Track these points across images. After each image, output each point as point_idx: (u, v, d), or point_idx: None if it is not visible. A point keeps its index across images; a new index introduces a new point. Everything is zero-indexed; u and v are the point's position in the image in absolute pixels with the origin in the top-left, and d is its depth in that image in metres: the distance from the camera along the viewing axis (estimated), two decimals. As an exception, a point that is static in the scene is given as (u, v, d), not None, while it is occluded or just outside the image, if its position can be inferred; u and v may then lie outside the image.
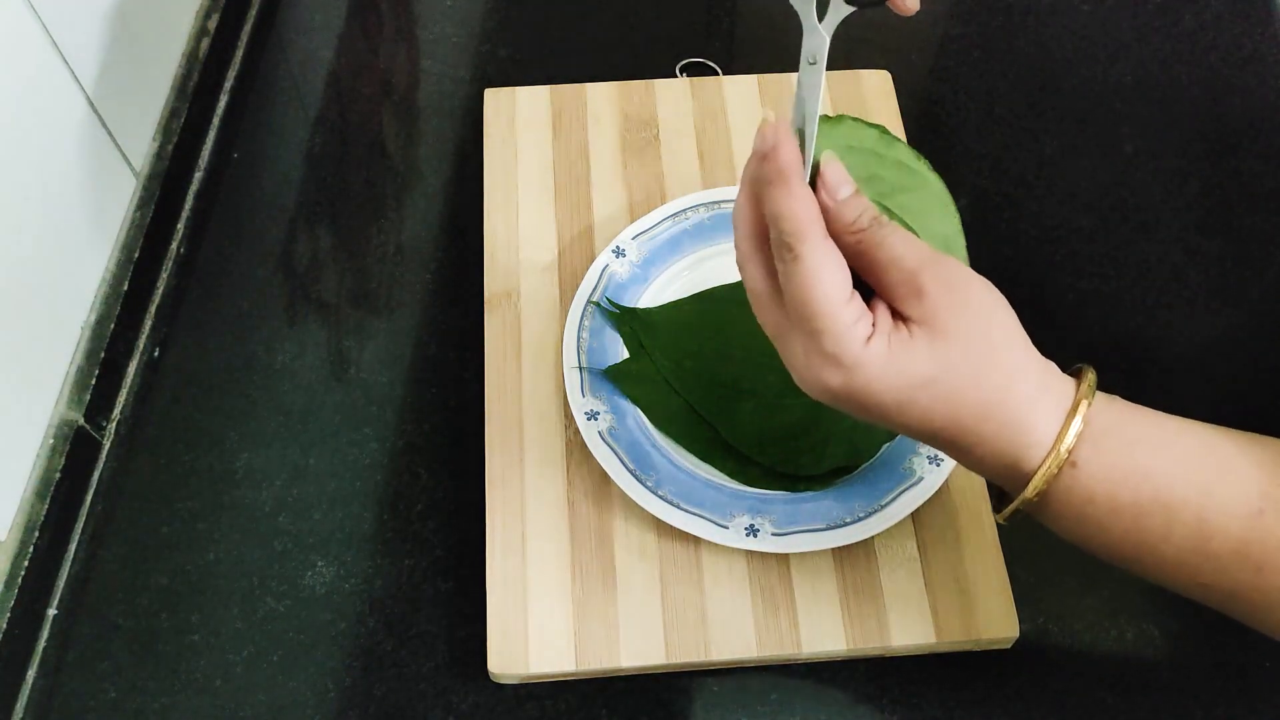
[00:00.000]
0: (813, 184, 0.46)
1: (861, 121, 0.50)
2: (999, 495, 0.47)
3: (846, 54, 0.80)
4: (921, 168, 0.51)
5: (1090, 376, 0.45)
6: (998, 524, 0.47)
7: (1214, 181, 0.75)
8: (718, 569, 0.59)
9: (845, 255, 0.44)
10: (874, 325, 0.44)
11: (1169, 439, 0.45)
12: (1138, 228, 0.73)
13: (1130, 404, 0.46)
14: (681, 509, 0.58)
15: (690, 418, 0.62)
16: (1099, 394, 0.45)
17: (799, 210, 0.43)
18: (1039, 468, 0.44)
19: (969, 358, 0.44)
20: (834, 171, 0.45)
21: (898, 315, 0.44)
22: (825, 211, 0.44)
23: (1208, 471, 0.44)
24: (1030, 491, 0.44)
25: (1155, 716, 0.58)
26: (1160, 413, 0.45)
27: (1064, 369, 0.46)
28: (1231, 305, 0.70)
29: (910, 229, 0.49)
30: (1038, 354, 0.45)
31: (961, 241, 0.50)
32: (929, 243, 0.46)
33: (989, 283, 0.45)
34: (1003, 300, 0.45)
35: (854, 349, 0.43)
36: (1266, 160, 0.76)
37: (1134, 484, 0.44)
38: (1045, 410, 0.44)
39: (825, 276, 0.43)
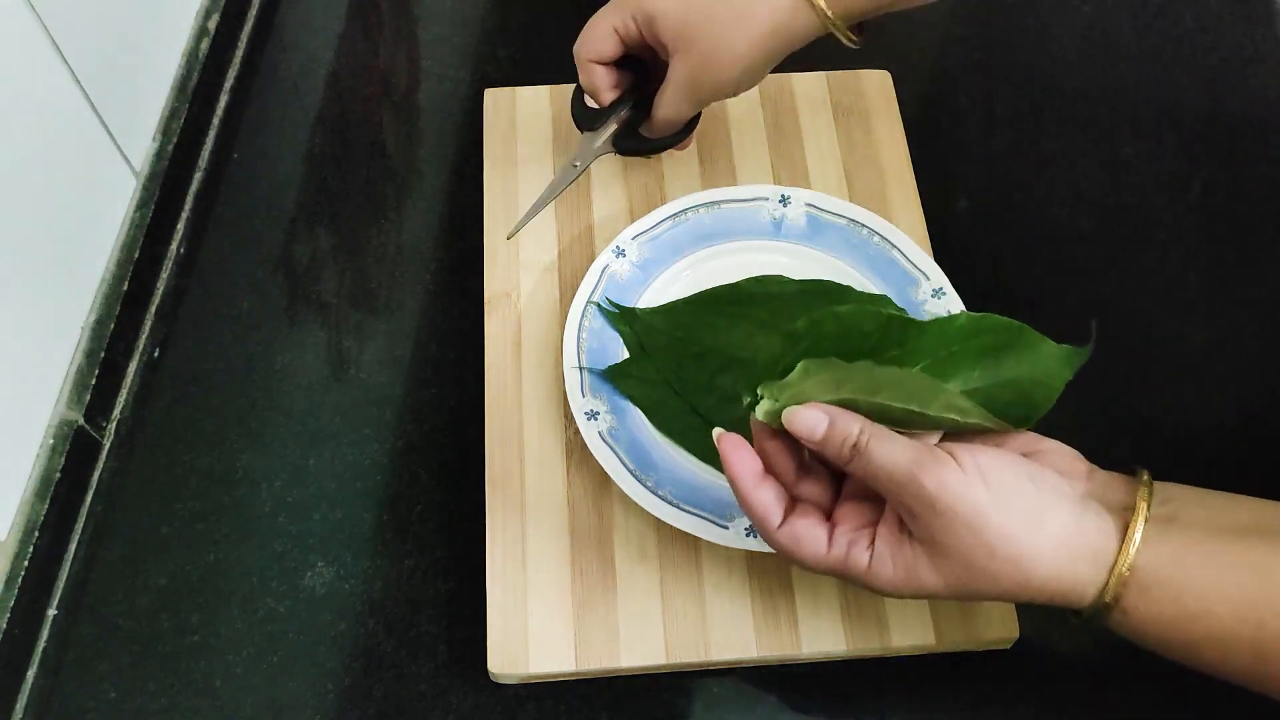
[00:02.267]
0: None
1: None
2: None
3: (846, 54, 0.80)
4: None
5: (1141, 515, 0.45)
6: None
7: (1214, 182, 0.75)
8: (718, 569, 0.59)
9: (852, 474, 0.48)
10: (871, 548, 0.47)
11: (1222, 574, 0.44)
12: (1138, 228, 0.73)
13: (1184, 526, 0.45)
14: (681, 509, 0.58)
15: (690, 418, 0.62)
16: (1148, 528, 0.45)
17: (755, 509, 0.49)
18: (1088, 620, 0.46)
19: (972, 566, 0.45)
20: (801, 421, 0.48)
21: (904, 524, 0.47)
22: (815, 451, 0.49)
23: (1261, 607, 0.44)
24: (1081, 623, 0.46)
25: (1155, 716, 0.58)
26: (1216, 530, 0.45)
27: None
28: (1232, 306, 0.70)
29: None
30: (1065, 514, 0.45)
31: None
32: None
33: (984, 462, 0.45)
34: (1001, 480, 0.45)
35: (865, 578, 0.47)
36: (1266, 160, 0.76)
37: (1184, 626, 0.45)
38: (1079, 575, 0.45)
39: (803, 549, 0.48)
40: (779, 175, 0.71)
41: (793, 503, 0.49)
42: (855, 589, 0.58)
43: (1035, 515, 0.45)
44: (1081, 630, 0.47)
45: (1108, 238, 0.73)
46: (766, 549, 0.57)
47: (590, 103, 0.66)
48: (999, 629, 0.57)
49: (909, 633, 0.57)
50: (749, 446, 0.49)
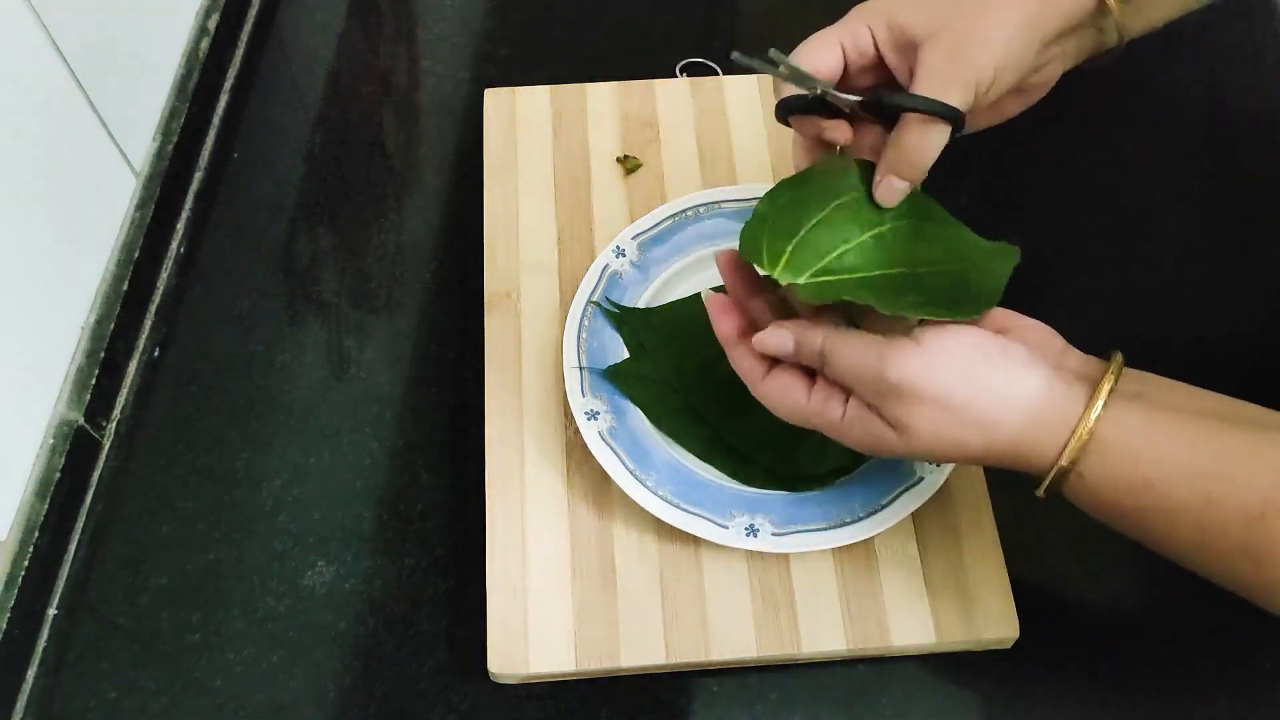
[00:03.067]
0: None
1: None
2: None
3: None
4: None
5: (1105, 387, 0.47)
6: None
7: (1214, 179, 0.75)
8: (718, 569, 0.59)
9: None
10: (844, 406, 0.50)
11: (1179, 448, 0.46)
12: (1138, 228, 0.73)
13: (1149, 404, 0.47)
14: (681, 509, 0.58)
15: (690, 418, 0.62)
16: (1116, 396, 0.47)
17: (741, 363, 0.53)
18: (1045, 480, 0.48)
19: (941, 440, 0.48)
20: (770, 342, 0.51)
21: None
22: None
23: (1212, 481, 0.45)
24: (1041, 491, 0.48)
25: (1155, 716, 0.58)
26: (1179, 410, 0.47)
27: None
28: (1232, 305, 0.70)
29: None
30: (1031, 383, 0.47)
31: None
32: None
33: (949, 344, 0.48)
34: (967, 359, 0.48)
35: (837, 429, 0.51)
36: (1266, 160, 0.76)
37: (1137, 492, 0.46)
38: (1041, 439, 0.47)
39: (786, 397, 0.52)
40: (779, 175, 0.71)
41: (775, 362, 0.53)
42: (855, 589, 0.58)
43: (1002, 384, 0.47)
44: (1046, 496, 0.48)
45: (1108, 235, 0.73)
46: (766, 549, 0.57)
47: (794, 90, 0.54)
48: (999, 629, 0.57)
49: (909, 633, 0.57)
50: (732, 309, 0.54)
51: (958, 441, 0.48)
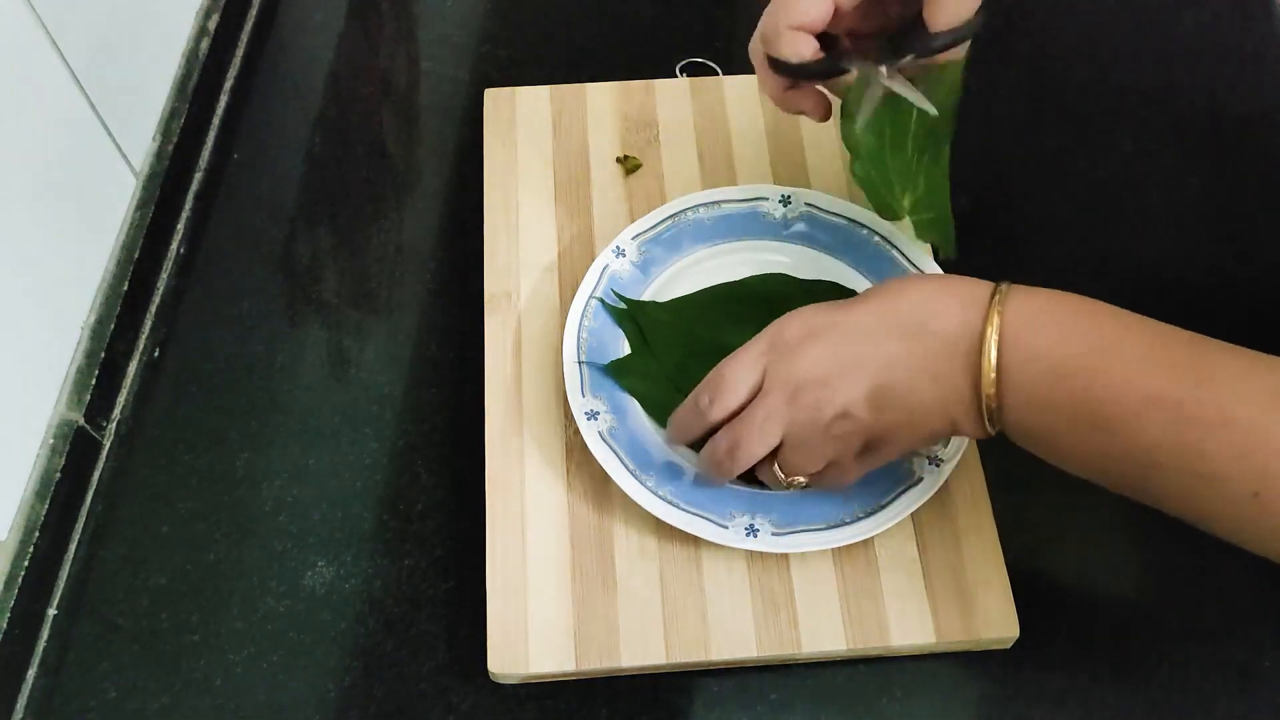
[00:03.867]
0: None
1: None
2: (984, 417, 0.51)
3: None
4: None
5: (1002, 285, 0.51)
6: (989, 437, 0.51)
7: (1213, 180, 0.75)
8: (718, 569, 0.59)
9: None
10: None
11: (1097, 304, 0.49)
12: (1138, 228, 0.73)
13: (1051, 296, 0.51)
14: (681, 509, 0.58)
15: None
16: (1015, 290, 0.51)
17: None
18: (990, 297, 0.49)
19: (869, 292, 0.53)
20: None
21: None
22: None
23: (1149, 337, 0.48)
24: (991, 317, 0.49)
25: (1155, 716, 0.58)
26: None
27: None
28: (1232, 305, 0.70)
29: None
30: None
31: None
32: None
33: None
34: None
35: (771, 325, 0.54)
36: (1266, 160, 0.76)
37: (1077, 332, 0.48)
38: (972, 281, 0.51)
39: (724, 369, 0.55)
40: (779, 175, 0.71)
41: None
42: (855, 589, 0.58)
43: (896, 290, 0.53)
44: (994, 415, 0.49)
45: (1107, 236, 0.73)
46: (766, 549, 0.57)
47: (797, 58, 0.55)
48: (999, 629, 0.57)
49: (909, 633, 0.57)
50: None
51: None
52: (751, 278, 0.66)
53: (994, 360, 0.48)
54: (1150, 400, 0.45)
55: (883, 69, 0.55)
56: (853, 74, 0.57)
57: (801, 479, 0.55)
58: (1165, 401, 0.45)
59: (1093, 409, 0.46)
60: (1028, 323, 0.48)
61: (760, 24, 0.56)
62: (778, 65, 0.56)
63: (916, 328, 0.50)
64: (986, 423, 0.50)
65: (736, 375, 0.54)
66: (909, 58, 0.55)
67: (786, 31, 0.54)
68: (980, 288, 0.50)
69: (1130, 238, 0.72)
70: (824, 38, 0.55)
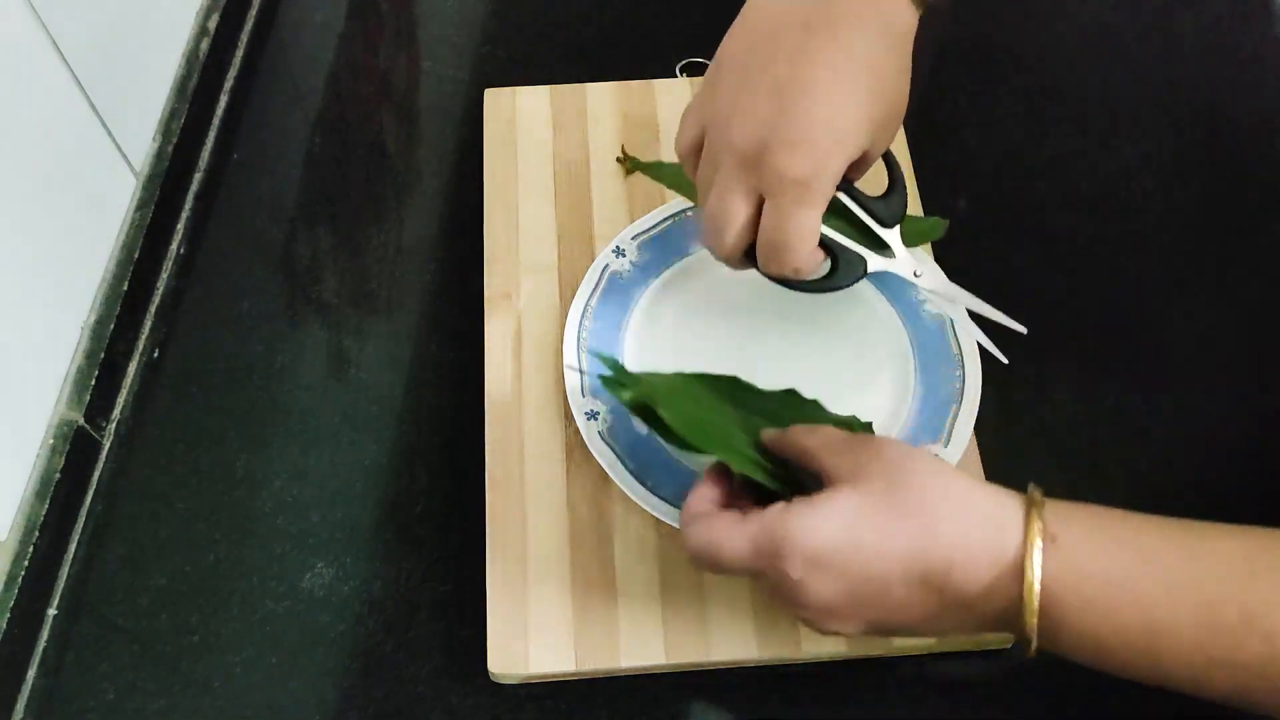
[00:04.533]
0: None
1: None
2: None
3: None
4: None
5: (1034, 487, 0.45)
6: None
7: (1214, 181, 0.75)
8: (718, 569, 0.59)
9: (796, 456, 0.50)
10: (789, 502, 0.47)
11: (1139, 521, 0.44)
12: (1138, 228, 0.73)
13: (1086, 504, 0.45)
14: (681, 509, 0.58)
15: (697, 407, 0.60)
16: (1051, 499, 0.45)
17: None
18: (1025, 551, 0.43)
19: (895, 474, 0.46)
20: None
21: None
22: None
23: (1193, 546, 0.43)
24: (1029, 573, 0.43)
25: (1155, 716, 0.58)
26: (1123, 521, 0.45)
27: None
28: (1232, 306, 0.70)
29: None
30: (972, 477, 0.47)
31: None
32: None
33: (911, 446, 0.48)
34: (927, 451, 0.49)
35: (778, 525, 0.46)
36: (1266, 160, 0.76)
37: (1122, 555, 0.43)
38: (1002, 502, 0.45)
39: (716, 528, 0.48)
40: (779, 175, 0.71)
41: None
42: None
43: (946, 464, 0.47)
44: (1029, 642, 0.44)
45: (1108, 237, 0.73)
46: (766, 549, 0.57)
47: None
48: (999, 629, 0.57)
49: (909, 633, 0.57)
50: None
51: (909, 494, 0.45)
52: (725, 377, 0.60)
53: (1035, 628, 0.44)
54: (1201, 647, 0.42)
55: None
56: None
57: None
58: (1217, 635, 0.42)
59: (1142, 651, 0.44)
60: (1074, 585, 0.43)
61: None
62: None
63: (936, 579, 0.44)
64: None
65: (734, 562, 0.48)
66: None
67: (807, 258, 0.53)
68: (1010, 531, 0.44)
69: (1130, 238, 0.72)
70: None
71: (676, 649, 0.57)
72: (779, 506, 0.47)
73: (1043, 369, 0.67)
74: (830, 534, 0.45)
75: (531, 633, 0.57)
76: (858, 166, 0.53)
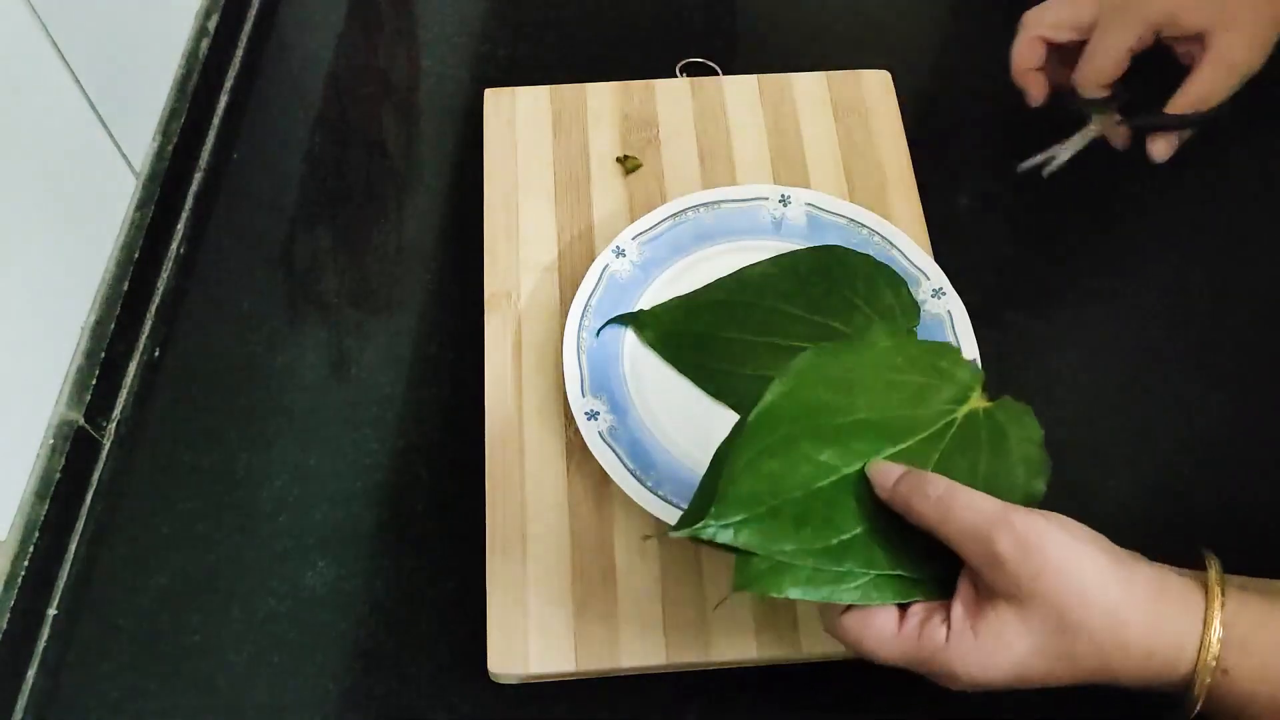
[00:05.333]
0: None
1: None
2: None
3: (846, 54, 0.80)
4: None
5: (1214, 572, 0.44)
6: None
7: (1215, 180, 0.75)
8: (718, 569, 0.59)
9: (929, 528, 0.45)
10: (948, 622, 0.44)
11: None
12: (1138, 226, 0.73)
13: (1261, 595, 0.44)
14: (681, 509, 0.58)
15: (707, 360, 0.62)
16: (1229, 588, 0.44)
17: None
18: (1193, 687, 0.43)
19: (1065, 616, 0.43)
20: (876, 473, 0.47)
21: (984, 590, 0.44)
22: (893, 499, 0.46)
23: None
24: (1190, 708, 0.43)
25: (1155, 716, 0.58)
26: None
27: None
28: (1233, 304, 0.70)
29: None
30: (1146, 570, 0.44)
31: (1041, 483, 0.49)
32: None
33: (1067, 521, 0.44)
34: (1085, 535, 0.44)
35: (943, 654, 0.44)
36: (1266, 159, 0.76)
37: None
38: (1176, 626, 0.43)
39: (871, 628, 0.46)
40: (779, 175, 0.71)
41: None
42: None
43: (1120, 566, 0.43)
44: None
45: (1108, 235, 0.73)
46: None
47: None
48: (999, 629, 0.57)
49: (909, 632, 0.57)
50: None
51: (1087, 630, 0.43)
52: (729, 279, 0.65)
53: None
54: None
55: (1116, 116, 0.68)
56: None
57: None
58: None
59: None
60: (1235, 708, 0.43)
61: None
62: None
63: (1108, 683, 0.45)
64: None
65: (876, 654, 0.47)
66: (1137, 119, 0.66)
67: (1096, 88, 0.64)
68: (1183, 664, 0.43)
69: (1130, 237, 0.72)
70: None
71: (676, 649, 0.57)
72: (935, 626, 0.45)
73: (1043, 368, 0.67)
74: (996, 674, 0.44)
75: (531, 633, 0.57)
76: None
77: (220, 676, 0.59)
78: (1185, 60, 0.65)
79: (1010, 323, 0.69)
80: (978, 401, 0.51)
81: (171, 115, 0.73)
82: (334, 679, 0.59)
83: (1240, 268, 0.71)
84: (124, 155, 0.68)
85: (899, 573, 0.47)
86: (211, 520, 0.63)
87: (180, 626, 0.60)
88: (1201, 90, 0.63)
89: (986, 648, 0.44)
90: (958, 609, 0.45)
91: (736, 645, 0.57)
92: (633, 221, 0.68)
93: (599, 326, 0.64)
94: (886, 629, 0.45)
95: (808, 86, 0.75)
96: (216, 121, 0.77)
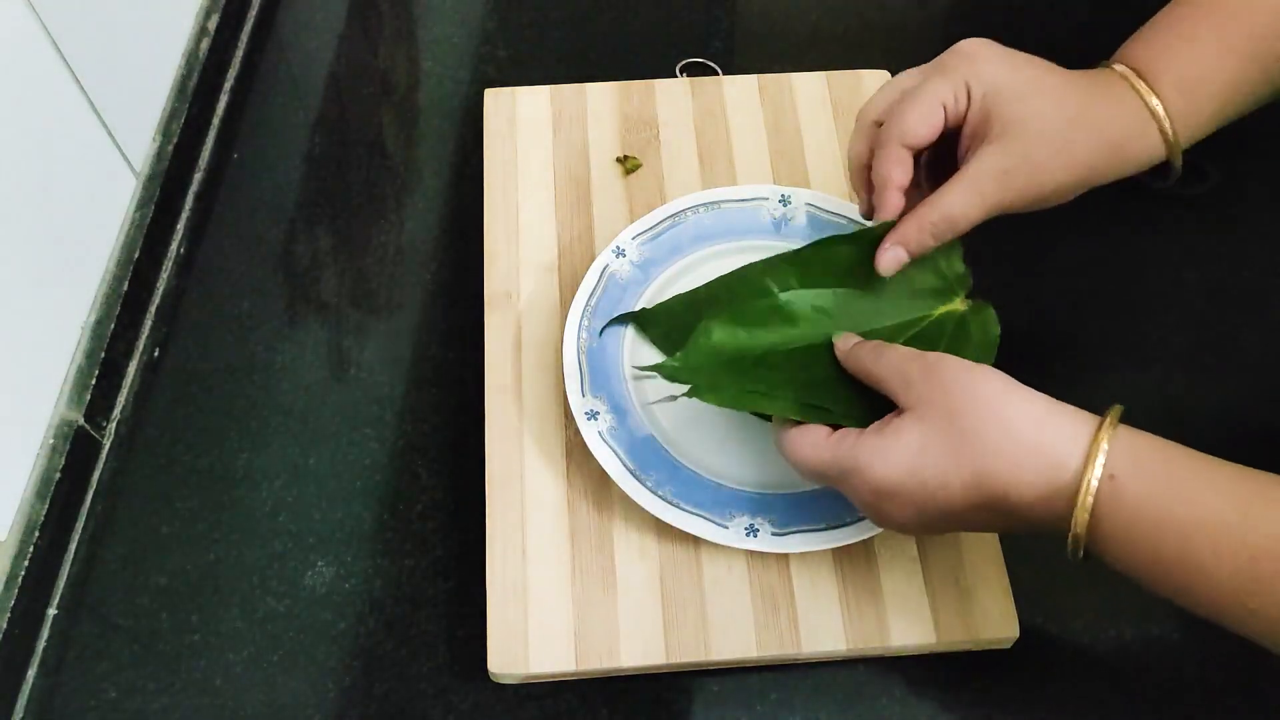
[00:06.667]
0: None
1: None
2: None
3: (846, 54, 0.80)
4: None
5: (1116, 409, 0.47)
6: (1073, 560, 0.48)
7: (1218, 184, 0.75)
8: (718, 569, 0.59)
9: (865, 379, 0.54)
10: (861, 432, 0.50)
11: (1203, 466, 0.45)
12: (1139, 225, 0.73)
13: (1159, 438, 0.46)
14: (681, 509, 0.58)
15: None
16: (1125, 426, 0.46)
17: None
18: (1080, 488, 0.45)
19: (955, 414, 0.48)
20: (840, 338, 0.56)
21: (897, 413, 0.50)
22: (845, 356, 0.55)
23: (1250, 497, 0.44)
24: (1080, 510, 0.45)
25: (1155, 716, 0.58)
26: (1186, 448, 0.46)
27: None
28: (1232, 304, 0.70)
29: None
30: (1045, 398, 0.48)
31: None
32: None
33: (976, 364, 0.49)
34: (990, 370, 0.49)
35: (850, 451, 0.50)
36: (1265, 158, 0.76)
37: (1177, 501, 0.44)
38: (1065, 434, 0.46)
39: (803, 442, 0.53)
40: (779, 175, 0.71)
41: None
42: (855, 589, 0.58)
43: (1023, 391, 0.48)
44: (1079, 552, 0.47)
45: (1108, 235, 0.73)
46: (766, 549, 0.57)
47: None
48: (999, 629, 0.57)
49: (909, 632, 0.57)
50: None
51: (975, 429, 0.47)
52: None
53: (1080, 551, 0.47)
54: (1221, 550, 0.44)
55: None
56: None
57: None
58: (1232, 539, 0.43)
59: (1181, 587, 0.45)
60: (1123, 523, 0.45)
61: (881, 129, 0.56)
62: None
63: (997, 501, 0.47)
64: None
65: (803, 466, 0.53)
66: None
67: (895, 148, 0.55)
68: (1066, 469, 0.46)
69: (1131, 236, 0.72)
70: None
71: (676, 649, 0.57)
72: (853, 434, 0.51)
73: (1043, 366, 0.67)
74: (893, 469, 0.48)
75: (531, 633, 0.57)
76: None
77: (220, 676, 0.59)
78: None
79: (1005, 321, 0.68)
80: (959, 304, 0.58)
81: (171, 115, 0.73)
82: (334, 679, 0.59)
83: (1242, 269, 0.71)
84: (124, 155, 0.68)
85: (824, 405, 0.55)
86: (211, 520, 0.63)
87: (179, 626, 0.60)
88: (951, 210, 0.54)
89: (885, 443, 0.49)
90: (873, 425, 0.51)
91: (736, 645, 0.57)
92: (633, 221, 0.68)
93: (600, 327, 0.64)
94: (818, 437, 0.52)
95: (808, 86, 0.75)
96: (216, 121, 0.77)
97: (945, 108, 0.54)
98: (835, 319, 0.59)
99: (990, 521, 0.49)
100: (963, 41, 0.55)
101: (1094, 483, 0.45)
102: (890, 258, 0.56)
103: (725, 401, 0.56)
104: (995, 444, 0.47)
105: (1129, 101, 0.54)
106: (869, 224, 0.59)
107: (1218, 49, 0.54)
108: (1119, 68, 0.55)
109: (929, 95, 0.54)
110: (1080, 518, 0.45)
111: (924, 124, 0.54)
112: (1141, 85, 0.54)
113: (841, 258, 0.59)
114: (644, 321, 0.64)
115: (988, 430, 0.47)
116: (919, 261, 0.57)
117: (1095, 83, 0.55)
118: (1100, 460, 0.45)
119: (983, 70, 0.54)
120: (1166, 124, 0.53)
